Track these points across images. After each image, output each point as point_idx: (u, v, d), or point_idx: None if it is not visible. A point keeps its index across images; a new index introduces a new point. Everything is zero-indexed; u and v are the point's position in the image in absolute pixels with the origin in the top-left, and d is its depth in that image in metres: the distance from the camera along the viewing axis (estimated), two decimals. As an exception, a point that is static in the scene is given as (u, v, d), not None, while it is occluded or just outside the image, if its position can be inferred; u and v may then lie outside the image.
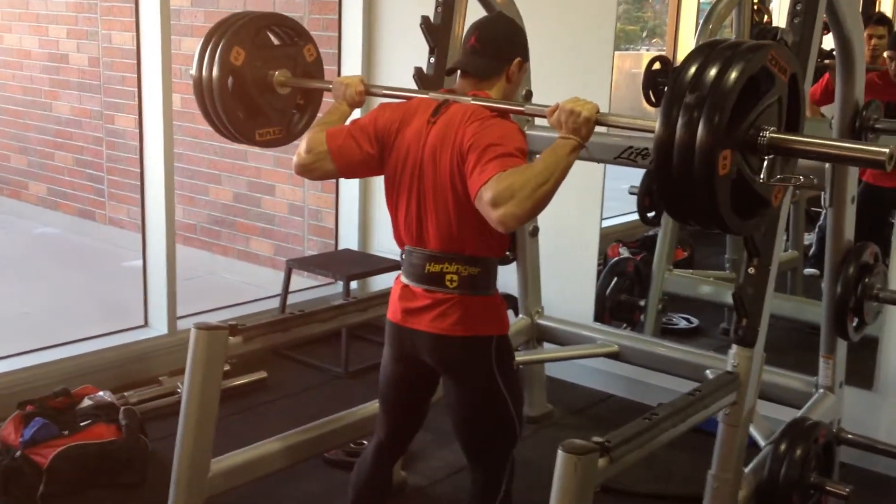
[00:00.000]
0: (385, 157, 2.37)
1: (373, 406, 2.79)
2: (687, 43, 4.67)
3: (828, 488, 2.59)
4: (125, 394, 3.65)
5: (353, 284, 4.45)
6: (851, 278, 2.82)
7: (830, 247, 2.87)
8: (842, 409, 3.08)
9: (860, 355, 3.31)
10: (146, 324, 4.18)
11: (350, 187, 4.93)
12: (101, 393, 3.43)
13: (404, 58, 3.27)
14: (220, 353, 2.56)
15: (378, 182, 4.78)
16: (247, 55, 2.66)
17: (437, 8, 3.01)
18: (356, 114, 2.64)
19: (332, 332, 4.31)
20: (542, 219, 3.58)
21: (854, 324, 2.89)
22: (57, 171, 6.89)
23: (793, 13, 2.41)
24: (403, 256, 2.39)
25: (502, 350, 2.35)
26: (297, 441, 2.86)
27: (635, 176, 4.44)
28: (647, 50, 5.11)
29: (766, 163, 1.81)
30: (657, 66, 4.46)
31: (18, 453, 3.08)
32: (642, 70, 4.48)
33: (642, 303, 4.34)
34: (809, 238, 4.54)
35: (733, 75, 1.71)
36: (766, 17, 4.85)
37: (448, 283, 2.29)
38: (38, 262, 6.25)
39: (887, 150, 1.71)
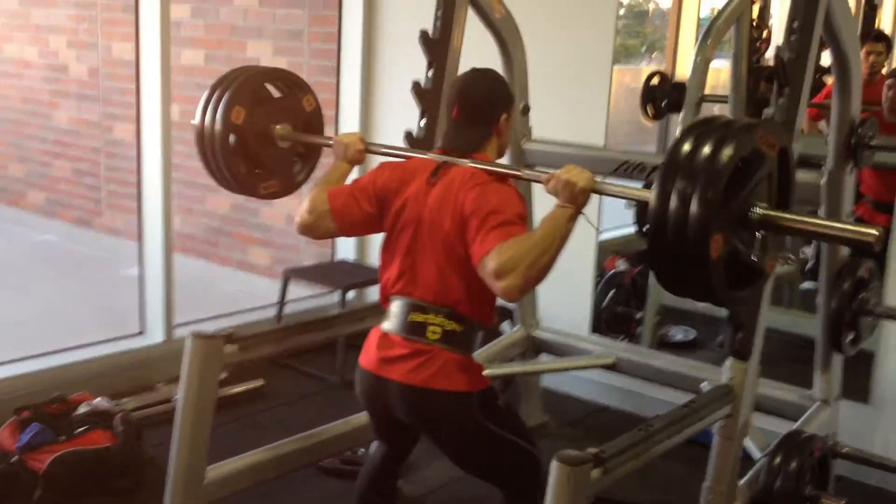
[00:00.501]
0: (384, 215, 2.40)
1: (367, 416, 2.80)
2: (686, 57, 4.68)
3: (823, 501, 2.60)
4: (122, 401, 3.65)
5: (350, 294, 4.47)
6: (847, 293, 2.83)
7: (826, 261, 2.88)
8: (837, 422, 3.09)
9: (856, 369, 3.33)
10: (143, 331, 4.19)
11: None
12: (97, 399, 3.44)
13: (403, 70, 3.29)
14: (216, 361, 2.57)
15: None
16: (247, 113, 2.69)
17: (435, 22, 3.03)
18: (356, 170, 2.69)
19: (328, 342, 4.34)
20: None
21: (849, 338, 2.90)
22: (55, 180, 6.90)
23: (790, 30, 2.42)
24: (388, 306, 2.40)
25: (485, 402, 2.33)
26: (293, 449, 2.86)
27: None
28: (647, 64, 5.13)
29: (758, 239, 1.84)
30: (655, 80, 4.49)
31: (15, 458, 3.10)
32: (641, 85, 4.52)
33: (639, 315, 4.35)
34: (806, 253, 4.56)
35: (725, 157, 1.74)
36: (764, 32, 4.88)
37: (430, 335, 2.29)
38: (36, 270, 6.24)
39: (875, 232, 1.75)
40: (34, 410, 3.29)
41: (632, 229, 4.60)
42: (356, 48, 4.77)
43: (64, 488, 3.08)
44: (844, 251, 2.87)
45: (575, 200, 2.12)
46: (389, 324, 2.37)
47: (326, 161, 2.79)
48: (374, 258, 4.86)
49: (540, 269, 2.08)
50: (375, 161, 2.57)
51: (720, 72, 4.74)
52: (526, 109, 3.42)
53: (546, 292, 3.70)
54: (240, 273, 5.66)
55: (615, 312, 4.36)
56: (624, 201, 4.45)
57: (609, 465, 1.96)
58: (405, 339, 2.31)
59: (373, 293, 4.66)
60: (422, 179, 2.34)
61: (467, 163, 2.31)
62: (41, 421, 3.22)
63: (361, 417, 2.95)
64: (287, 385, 4.21)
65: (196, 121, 2.71)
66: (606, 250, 4.52)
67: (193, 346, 2.52)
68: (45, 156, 6.94)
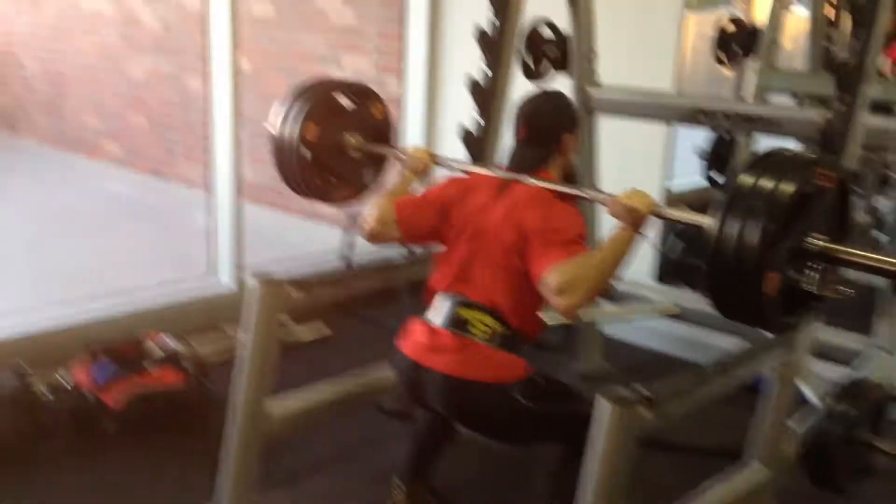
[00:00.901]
0: (448, 224, 2.50)
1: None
2: (764, 3, 4.58)
3: (876, 445, 2.58)
4: (190, 342, 3.76)
5: (414, 242, 4.50)
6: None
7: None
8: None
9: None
10: (212, 275, 4.30)
11: (413, 141, 4.95)
12: (167, 339, 3.55)
13: (470, 15, 3.30)
14: (279, 303, 2.61)
15: (441, 143, 4.83)
16: (320, 129, 2.82)
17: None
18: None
19: (392, 289, 4.40)
20: (607, 177, 3.61)
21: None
22: (131, 132, 7.07)
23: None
24: (432, 302, 2.47)
25: (527, 386, 2.35)
26: (353, 386, 2.91)
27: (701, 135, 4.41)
28: (728, 12, 5.02)
29: (818, 273, 1.86)
30: (730, 26, 4.41)
31: (90, 395, 3.23)
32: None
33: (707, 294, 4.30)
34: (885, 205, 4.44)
35: (785, 193, 1.78)
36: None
37: (475, 331, 2.35)
38: (112, 219, 6.44)
39: None
40: (107, 349, 3.41)
41: (702, 181, 4.57)
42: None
43: (135, 424, 3.21)
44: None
45: (636, 225, 2.19)
46: (434, 316, 2.44)
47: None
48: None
49: (599, 288, 2.19)
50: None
51: (801, 21, 4.63)
52: (593, 55, 3.39)
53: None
54: (308, 222, 5.75)
55: (681, 262, 4.33)
56: (693, 148, 4.44)
57: (660, 406, 1.96)
58: (451, 331, 2.38)
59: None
60: (488, 194, 2.46)
61: (532, 181, 2.40)
62: (114, 359, 3.34)
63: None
64: (352, 332, 4.29)
65: (273, 132, 2.84)
66: (675, 200, 4.48)
67: (257, 289, 2.58)
68: (120, 108, 7.11)
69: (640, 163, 4.09)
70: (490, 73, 3.12)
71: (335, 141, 2.84)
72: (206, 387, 3.38)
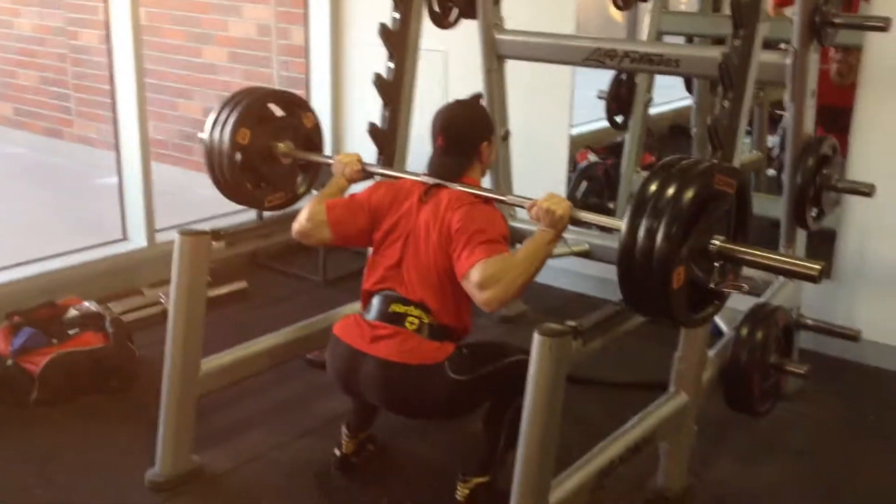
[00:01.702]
0: (376, 228, 2.59)
1: (353, 308, 2.90)
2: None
3: (787, 368, 2.75)
4: (109, 305, 3.72)
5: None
6: (810, 169, 2.93)
7: (791, 139, 2.97)
8: (800, 296, 3.22)
9: (819, 247, 3.46)
10: (125, 237, 4.23)
11: (321, 96, 4.94)
12: (86, 303, 3.51)
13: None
14: (205, 257, 2.65)
15: (350, 92, 4.82)
16: (252, 133, 2.84)
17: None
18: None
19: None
20: (514, 125, 3.69)
21: (813, 213, 3.01)
22: (22, 90, 6.82)
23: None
24: (370, 301, 2.57)
25: (455, 361, 2.44)
26: (282, 341, 2.98)
27: (603, 82, 4.51)
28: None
29: (716, 268, 1.99)
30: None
31: (10, 362, 3.18)
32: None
33: (612, 205, 4.45)
34: (773, 140, 4.65)
35: (686, 198, 1.90)
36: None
37: (408, 324, 2.48)
38: (7, 182, 6.23)
39: (818, 266, 1.96)
40: (25, 315, 3.35)
41: (602, 123, 4.68)
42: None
43: (59, 389, 3.18)
44: (808, 129, 2.96)
45: (555, 226, 2.31)
46: (369, 314, 2.55)
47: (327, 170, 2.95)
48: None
49: (519, 285, 2.30)
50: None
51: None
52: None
53: (520, 185, 3.81)
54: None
55: (588, 204, 4.45)
56: (595, 92, 4.55)
57: (587, 335, 2.09)
58: (385, 324, 2.49)
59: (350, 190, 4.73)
60: (414, 198, 2.56)
61: (456, 186, 2.52)
62: (32, 325, 3.29)
63: (346, 310, 3.05)
64: (270, 286, 4.30)
65: (205, 137, 2.86)
66: (578, 144, 4.59)
67: (181, 244, 2.59)
68: (9, 65, 6.84)
69: (547, 108, 4.17)
70: (399, 18, 3.14)
71: (266, 147, 2.90)
72: (129, 348, 3.35)
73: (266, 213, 4.39)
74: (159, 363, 2.71)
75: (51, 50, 6.48)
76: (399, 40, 3.15)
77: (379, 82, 3.15)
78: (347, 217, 2.63)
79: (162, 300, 3.83)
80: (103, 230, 4.37)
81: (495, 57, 3.53)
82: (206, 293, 2.70)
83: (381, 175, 2.81)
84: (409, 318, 2.48)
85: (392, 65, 3.17)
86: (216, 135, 2.83)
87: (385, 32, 3.12)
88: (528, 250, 2.32)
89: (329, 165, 2.89)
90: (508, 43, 3.49)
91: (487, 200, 2.52)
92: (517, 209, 2.91)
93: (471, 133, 2.61)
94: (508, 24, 3.51)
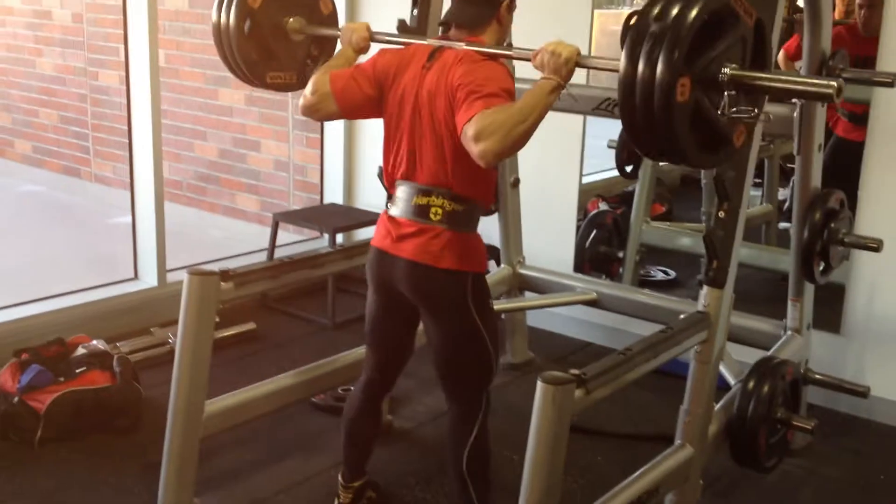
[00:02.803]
0: (384, 99, 2.49)
1: (359, 352, 2.90)
2: None
3: (794, 423, 2.73)
4: (117, 344, 3.73)
5: (339, 238, 4.54)
6: (818, 223, 2.93)
7: (798, 193, 2.98)
8: (809, 350, 3.21)
9: (828, 301, 3.45)
10: (136, 276, 4.26)
11: (335, 142, 4.99)
12: (94, 342, 3.52)
13: (389, 9, 3.33)
14: (213, 297, 2.64)
15: (362, 136, 4.87)
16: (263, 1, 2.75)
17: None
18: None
19: (318, 286, 4.44)
20: (524, 172, 3.71)
21: (820, 267, 3.01)
22: (42, 129, 6.91)
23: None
24: (393, 192, 2.50)
25: (478, 287, 2.45)
26: (288, 384, 2.96)
27: (615, 132, 4.54)
28: (629, 9, 5.18)
29: (726, 98, 1.91)
30: (635, 19, 4.53)
31: (16, 399, 3.18)
32: (622, 27, 4.56)
33: (621, 254, 4.45)
34: (784, 193, 4.66)
35: (694, 10, 1.81)
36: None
37: (432, 216, 2.40)
38: (24, 219, 6.29)
39: (835, 84, 1.84)
40: (33, 353, 3.36)
41: (614, 173, 4.71)
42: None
43: (64, 427, 3.17)
44: (816, 182, 2.97)
45: (559, 71, 2.19)
46: (396, 208, 2.48)
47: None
48: (362, 202, 4.94)
49: (517, 136, 2.14)
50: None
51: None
52: (508, 49, 3.46)
53: (531, 233, 3.83)
54: (228, 220, 5.73)
55: (597, 252, 4.45)
56: (605, 145, 4.57)
57: (591, 385, 2.08)
58: (410, 220, 2.43)
59: (362, 235, 4.75)
60: (419, 64, 2.43)
61: (462, 45, 2.39)
62: (40, 363, 3.29)
63: (353, 354, 3.05)
64: (278, 328, 4.31)
65: (213, 10, 2.77)
66: (588, 192, 4.61)
67: (190, 284, 2.60)
68: (30, 104, 6.94)
69: (557, 156, 4.20)
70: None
71: (277, 19, 2.79)
72: (135, 388, 3.35)
73: (276, 255, 4.49)
74: (165, 403, 2.70)
75: (71, 90, 6.58)
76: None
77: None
78: (352, 86, 2.50)
79: (170, 340, 3.84)
80: (115, 269, 4.40)
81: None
82: (213, 334, 2.71)
83: (390, 42, 2.69)
84: (433, 209, 2.39)
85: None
86: (226, 2, 2.74)
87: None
88: (528, 99, 2.17)
89: (337, 36, 2.78)
90: (518, 91, 3.50)
91: (493, 57, 2.38)
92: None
93: None
94: (521, 73, 3.55)
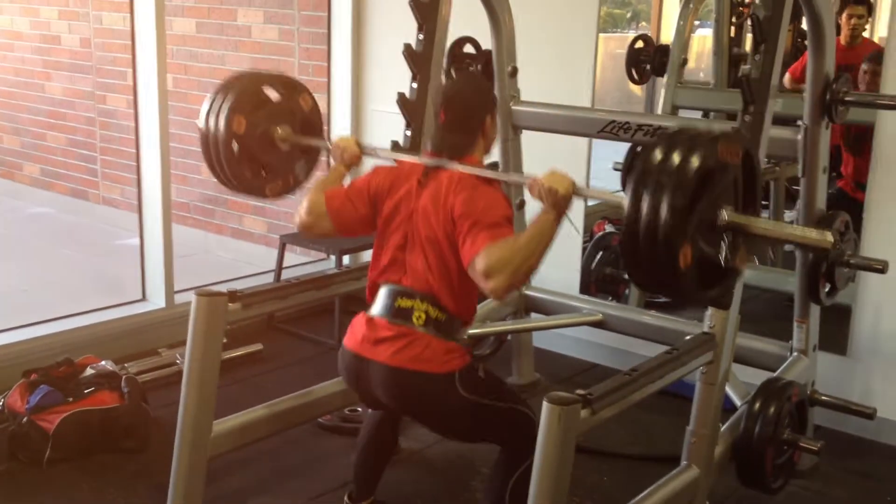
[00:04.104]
0: (378, 212, 2.54)
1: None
2: (670, 24, 4.78)
3: (800, 444, 2.73)
4: (125, 365, 3.74)
5: (346, 259, 4.57)
6: (823, 245, 2.94)
7: (803, 215, 3.00)
8: (815, 371, 3.21)
9: (834, 323, 3.45)
10: (144, 298, 4.28)
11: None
12: (102, 362, 3.54)
13: (394, 36, 3.38)
14: (221, 318, 2.67)
15: (367, 158, 4.89)
16: (248, 121, 2.78)
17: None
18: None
19: (325, 307, 4.45)
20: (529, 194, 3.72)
21: (826, 289, 3.02)
22: (50, 152, 6.95)
23: (765, -11, 2.52)
24: (376, 293, 2.52)
25: (467, 376, 2.42)
26: (295, 405, 2.99)
27: (620, 154, 4.56)
28: (633, 32, 5.22)
29: (725, 243, 1.96)
30: (640, 44, 4.58)
31: (25, 419, 3.19)
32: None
33: (626, 276, 4.45)
34: (790, 215, 4.66)
35: (689, 170, 1.86)
36: (746, -3, 4.96)
37: (415, 319, 2.41)
38: (32, 241, 6.33)
39: (830, 238, 1.92)
40: (42, 373, 3.38)
41: (619, 194, 4.72)
42: (346, 14, 4.81)
43: (73, 447, 3.18)
44: (820, 205, 2.98)
45: (557, 206, 2.26)
46: (376, 309, 2.49)
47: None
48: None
49: (526, 270, 2.24)
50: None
51: (705, 39, 4.84)
52: (514, 72, 3.52)
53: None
54: (235, 241, 5.75)
55: (603, 274, 4.46)
56: (611, 164, 4.59)
57: (596, 405, 2.09)
58: (391, 322, 2.43)
59: (368, 256, 4.75)
60: (414, 181, 2.48)
61: (457, 166, 2.43)
62: (49, 383, 3.31)
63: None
64: (285, 349, 4.32)
65: (200, 126, 2.80)
66: (595, 214, 4.62)
67: (198, 304, 2.62)
68: (39, 127, 6.99)
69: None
70: (416, 88, 3.20)
71: (263, 133, 2.81)
72: (143, 408, 3.36)
73: (283, 276, 4.51)
74: (173, 424, 2.72)
75: (80, 113, 6.63)
76: (417, 109, 3.20)
77: (396, 149, 3.18)
78: (347, 206, 2.57)
79: (178, 361, 3.86)
80: (123, 290, 4.42)
81: (511, 127, 3.58)
82: (220, 354, 2.73)
83: (381, 157, 2.74)
84: (416, 313, 2.40)
85: (409, 132, 3.22)
86: (211, 123, 2.76)
87: (404, 102, 3.19)
88: (532, 233, 2.25)
89: (327, 149, 2.83)
90: (524, 114, 3.55)
91: (489, 181, 2.44)
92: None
93: (474, 108, 2.52)
94: (527, 96, 3.58)
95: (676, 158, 1.87)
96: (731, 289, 2.08)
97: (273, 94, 2.86)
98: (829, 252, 1.89)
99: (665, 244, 1.84)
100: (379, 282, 2.52)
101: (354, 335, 2.50)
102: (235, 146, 2.78)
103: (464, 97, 2.53)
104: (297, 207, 2.63)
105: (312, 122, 2.95)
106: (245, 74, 2.92)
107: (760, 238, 1.97)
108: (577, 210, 4.27)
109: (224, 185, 2.90)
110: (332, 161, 2.83)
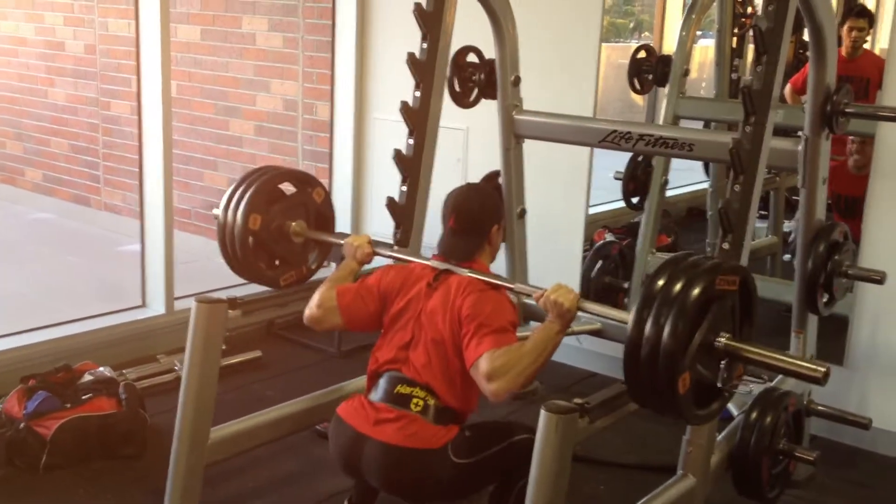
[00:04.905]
0: (386, 312, 2.61)
1: (364, 382, 2.91)
2: (672, 34, 4.79)
3: (796, 454, 2.73)
4: (124, 371, 3.75)
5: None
6: (821, 255, 2.94)
7: (802, 225, 3.00)
8: (813, 382, 3.20)
9: (832, 334, 3.45)
10: (144, 304, 4.29)
11: (343, 172, 5.03)
12: (101, 368, 3.53)
13: (398, 44, 3.40)
14: (220, 325, 2.68)
15: (370, 167, 4.90)
16: (263, 218, 2.89)
17: (429, -4, 3.16)
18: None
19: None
20: (531, 203, 3.73)
21: (824, 299, 3.02)
22: (53, 158, 6.98)
23: (767, 1, 2.53)
24: (376, 382, 2.57)
25: (457, 444, 2.46)
26: (293, 412, 2.99)
27: (621, 164, 4.57)
28: (636, 42, 5.24)
29: (722, 367, 2.00)
30: (642, 54, 4.59)
31: (22, 425, 3.19)
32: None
33: (626, 285, 4.46)
34: (789, 225, 4.67)
35: (689, 300, 1.92)
36: (749, 8, 4.98)
37: (413, 406, 2.46)
38: (34, 247, 6.34)
39: (823, 369, 1.96)
40: (40, 379, 3.38)
41: (621, 204, 4.73)
42: (350, 23, 4.83)
43: (70, 453, 3.18)
44: (820, 215, 2.99)
45: (563, 318, 2.33)
46: (375, 394, 2.55)
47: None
48: (370, 232, 4.93)
49: (527, 376, 2.32)
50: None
51: (707, 49, 4.85)
52: (517, 81, 3.53)
53: (537, 263, 3.85)
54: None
55: (603, 283, 4.47)
56: (611, 176, 4.61)
57: (594, 414, 2.10)
58: (389, 406, 2.49)
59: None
60: (423, 283, 2.58)
61: (465, 271, 2.53)
62: (47, 389, 3.31)
63: (357, 383, 3.05)
64: (284, 356, 4.32)
65: (219, 219, 2.91)
66: (595, 223, 4.63)
67: (198, 311, 2.63)
68: (41, 133, 7.02)
69: (564, 187, 4.23)
70: (420, 96, 3.21)
71: (278, 227, 2.94)
72: (141, 415, 3.37)
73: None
74: (171, 430, 2.72)
75: (83, 119, 6.65)
76: (420, 118, 3.21)
77: (399, 158, 3.20)
78: (358, 303, 2.65)
79: (176, 367, 3.86)
80: (124, 296, 4.43)
81: (513, 136, 3.59)
82: (219, 361, 2.73)
83: (392, 257, 2.83)
84: (415, 400, 2.47)
85: (412, 141, 3.23)
86: (229, 217, 2.87)
87: (407, 110, 3.20)
88: (537, 341, 2.33)
89: (340, 245, 2.91)
90: (526, 123, 3.56)
91: (496, 287, 2.53)
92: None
93: (482, 217, 2.64)
94: (529, 105, 3.59)
95: (678, 287, 1.94)
96: (724, 406, 2.14)
97: (288, 187, 3.01)
98: (821, 382, 1.95)
99: (665, 371, 1.90)
100: (380, 371, 2.58)
101: (354, 413, 2.55)
102: (251, 240, 2.89)
103: (472, 206, 2.65)
104: (308, 302, 2.70)
105: (325, 215, 3.08)
106: (263, 170, 3.02)
107: (754, 364, 2.02)
108: (577, 219, 4.31)
109: (239, 275, 3.01)
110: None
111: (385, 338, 2.62)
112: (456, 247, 2.61)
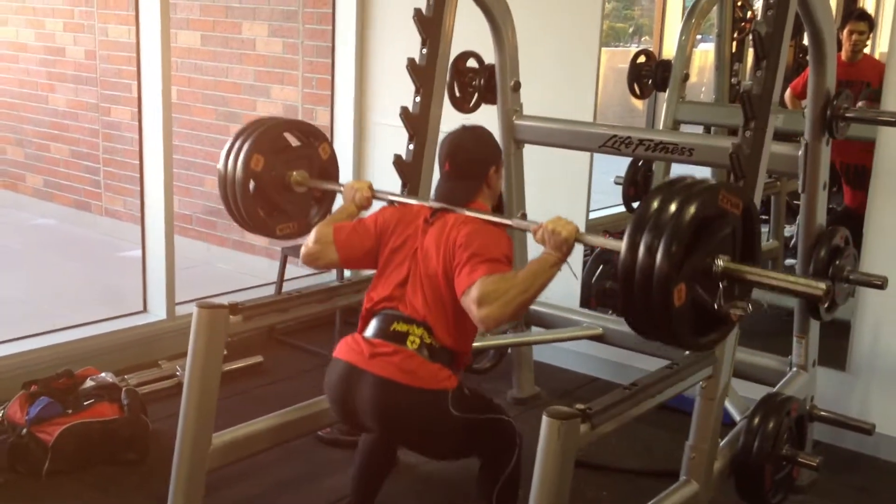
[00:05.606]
0: (382, 250, 2.60)
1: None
2: (672, 39, 4.80)
3: (799, 459, 2.73)
4: (125, 377, 3.74)
5: (347, 272, 4.56)
6: (822, 260, 2.94)
7: (803, 230, 3.00)
8: (814, 386, 3.21)
9: (834, 338, 3.45)
10: (145, 310, 4.29)
11: (343, 177, 5.01)
12: (102, 374, 3.54)
13: (397, 49, 3.41)
14: (221, 330, 2.68)
15: (371, 171, 4.90)
16: (266, 160, 2.89)
17: (428, 1, 3.17)
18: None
19: (326, 319, 4.46)
20: (531, 207, 3.73)
21: (825, 304, 3.02)
22: (53, 163, 6.98)
23: (766, 6, 2.54)
24: (369, 321, 2.55)
25: (459, 396, 2.44)
26: (294, 418, 2.99)
27: (621, 168, 4.58)
28: (636, 46, 5.25)
29: (721, 289, 1.99)
30: (642, 59, 4.60)
31: (24, 431, 3.19)
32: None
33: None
34: (791, 230, 4.67)
35: (688, 214, 1.91)
36: (749, 12, 4.98)
37: (409, 343, 2.44)
38: (35, 252, 6.34)
39: (823, 286, 1.96)
40: (42, 384, 3.38)
41: (619, 208, 4.73)
42: (350, 28, 4.84)
43: (72, 459, 3.18)
44: (820, 220, 2.99)
45: (559, 249, 2.30)
46: (370, 331, 2.52)
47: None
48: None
49: (518, 305, 2.28)
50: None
51: (707, 54, 4.86)
52: (517, 86, 3.54)
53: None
54: (237, 253, 5.76)
55: (604, 287, 4.47)
56: (612, 178, 4.61)
57: (596, 419, 2.09)
58: (386, 342, 2.46)
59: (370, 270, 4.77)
60: (420, 220, 2.56)
61: (463, 211, 2.50)
62: (49, 394, 3.31)
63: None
64: (286, 361, 4.32)
65: (220, 166, 2.90)
66: (595, 228, 4.63)
67: (199, 316, 2.63)
68: (42, 139, 7.02)
69: (564, 192, 4.23)
70: (420, 102, 3.22)
71: (280, 175, 2.92)
72: (143, 420, 3.36)
73: (285, 288, 4.52)
74: (173, 436, 2.72)
75: (83, 125, 6.65)
76: (420, 123, 3.22)
77: (399, 163, 3.20)
78: (354, 239, 2.65)
79: (178, 373, 3.86)
80: (125, 302, 4.43)
81: (513, 141, 3.60)
82: (221, 367, 2.73)
83: (391, 201, 2.81)
84: (411, 337, 2.43)
85: (412, 146, 3.24)
86: (230, 163, 2.86)
87: (407, 115, 3.20)
88: (531, 270, 2.30)
89: (339, 191, 2.90)
90: (526, 128, 3.57)
91: (494, 223, 2.51)
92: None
93: (479, 158, 2.60)
94: (529, 110, 3.60)
95: (675, 204, 1.92)
96: (724, 336, 2.12)
97: (293, 140, 2.98)
98: (821, 300, 1.93)
99: (660, 281, 1.88)
100: (375, 310, 2.56)
101: (348, 349, 2.52)
102: (252, 183, 2.87)
103: (468, 148, 2.60)
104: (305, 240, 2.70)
105: (329, 171, 3.06)
106: (267, 119, 3.01)
107: (754, 284, 2.00)
108: (578, 223, 4.29)
109: (237, 222, 3.00)
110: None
111: (381, 276, 2.59)
112: (453, 192, 2.57)
